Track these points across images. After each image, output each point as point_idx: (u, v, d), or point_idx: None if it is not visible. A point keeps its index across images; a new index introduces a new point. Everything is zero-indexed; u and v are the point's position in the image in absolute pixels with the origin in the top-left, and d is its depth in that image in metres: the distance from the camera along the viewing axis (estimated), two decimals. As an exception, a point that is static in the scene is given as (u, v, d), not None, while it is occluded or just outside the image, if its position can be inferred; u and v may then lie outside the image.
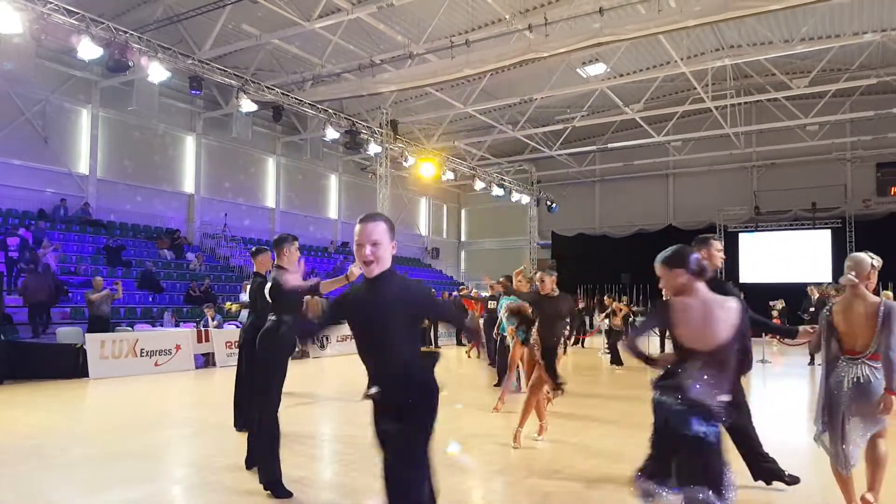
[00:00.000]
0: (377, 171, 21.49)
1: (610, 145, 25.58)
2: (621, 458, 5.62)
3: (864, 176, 25.59)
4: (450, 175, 23.52)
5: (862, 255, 4.04)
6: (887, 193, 25.11)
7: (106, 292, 12.81)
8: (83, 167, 18.67)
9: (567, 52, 14.99)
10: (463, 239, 35.39)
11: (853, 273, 3.93)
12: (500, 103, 21.68)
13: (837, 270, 25.33)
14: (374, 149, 19.90)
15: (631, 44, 17.28)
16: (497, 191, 25.73)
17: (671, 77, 20.55)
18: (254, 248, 6.28)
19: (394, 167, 22.56)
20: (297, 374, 12.01)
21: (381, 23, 16.08)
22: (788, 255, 25.86)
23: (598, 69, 20.25)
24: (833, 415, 3.98)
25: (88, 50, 12.26)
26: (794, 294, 17.40)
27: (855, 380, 3.86)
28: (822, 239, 25.89)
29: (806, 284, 16.53)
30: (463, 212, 35.39)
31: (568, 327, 7.07)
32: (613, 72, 20.21)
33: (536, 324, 6.25)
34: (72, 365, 11.09)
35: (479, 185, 24.84)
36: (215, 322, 14.08)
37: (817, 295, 14.31)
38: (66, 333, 12.42)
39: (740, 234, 27.41)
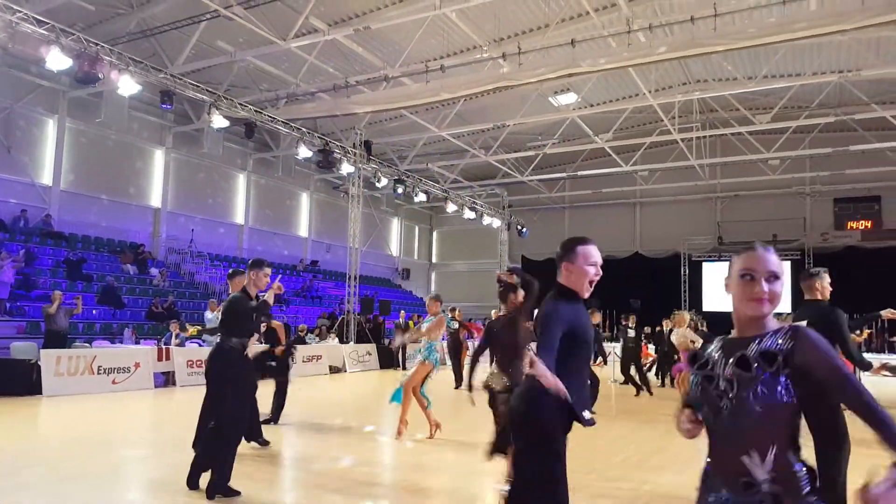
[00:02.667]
0: (350, 191, 21.48)
1: (580, 173, 26.02)
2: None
3: (823, 210, 26.49)
4: (422, 197, 23.62)
5: None
6: (844, 227, 26.02)
7: (58, 302, 12.40)
8: (46, 178, 18.27)
9: (539, 81, 15.29)
10: (434, 260, 35.43)
11: None
12: (473, 128, 21.95)
13: (796, 301, 25.96)
14: (346, 168, 19.91)
15: (601, 75, 17.72)
16: (469, 214, 25.90)
17: (640, 109, 21.10)
18: (231, 270, 6.39)
19: (366, 187, 22.59)
20: (260, 396, 11.82)
21: (357, 45, 16.21)
22: (750, 285, 26.49)
23: (569, 98, 20.66)
24: None
25: (57, 60, 12.06)
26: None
27: None
28: (782, 270, 26.58)
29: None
30: (434, 233, 35.48)
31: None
32: (584, 101, 20.66)
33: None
34: (25, 381, 10.72)
35: (451, 207, 24.98)
36: (178, 340, 13.78)
37: None
38: (20, 348, 12.04)
39: (704, 264, 28.01)
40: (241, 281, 5.90)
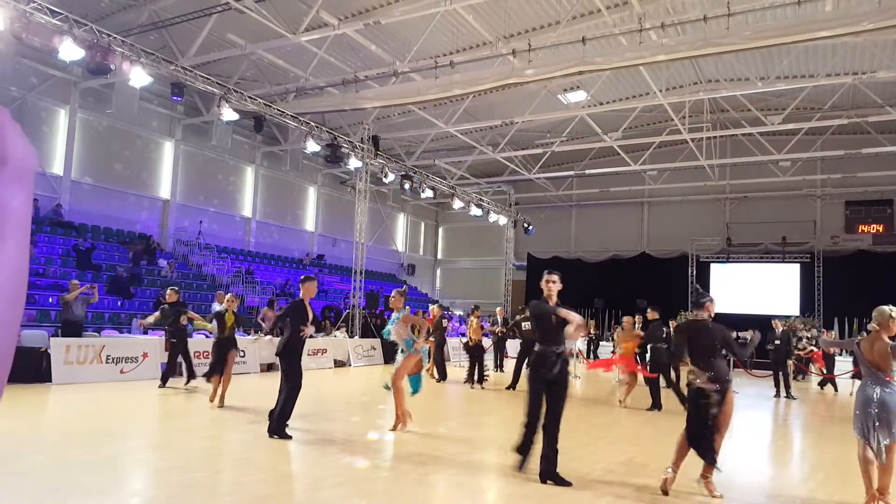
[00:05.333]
0: (357, 186, 21.50)
1: (587, 171, 25.94)
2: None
3: (833, 213, 26.27)
4: (429, 193, 23.61)
5: (883, 307, 5.17)
6: (855, 231, 25.78)
7: (78, 291, 12.49)
8: (57, 168, 18.37)
9: (549, 79, 15.24)
10: (439, 256, 35.43)
11: (876, 322, 5.12)
12: (481, 125, 21.91)
13: (805, 303, 25.91)
14: (354, 163, 19.92)
15: (612, 73, 17.65)
16: (475, 210, 25.87)
17: (650, 108, 21.00)
18: (303, 277, 7.66)
19: (373, 182, 22.59)
20: (255, 391, 11.87)
21: (366, 40, 16.20)
22: (758, 287, 26.33)
23: (578, 96, 20.59)
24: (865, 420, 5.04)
25: (70, 51, 12.12)
26: (763, 326, 17.76)
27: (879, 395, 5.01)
28: (790, 272, 26.43)
29: (774, 316, 16.83)
30: (440, 230, 35.48)
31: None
32: (594, 100, 20.57)
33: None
34: (35, 369, 10.81)
35: (457, 204, 24.95)
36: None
37: (781, 328, 14.61)
38: (30, 336, 12.12)
39: (712, 265, 27.85)
40: (313, 286, 7.49)
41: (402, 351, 7.98)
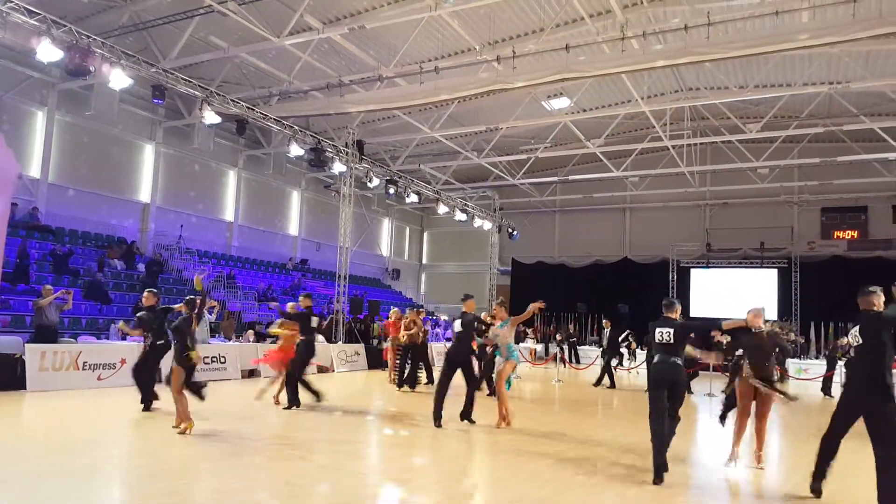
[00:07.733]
0: (341, 190, 21.42)
1: (571, 177, 26.11)
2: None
3: (810, 219, 26.74)
4: (413, 197, 23.61)
5: None
6: (830, 237, 26.29)
7: (52, 297, 12.27)
8: (34, 170, 18.08)
9: (533, 85, 15.33)
10: (424, 261, 35.42)
11: None
12: (466, 130, 21.97)
13: (783, 308, 26.27)
14: (338, 167, 19.84)
15: (595, 81, 17.81)
16: (460, 215, 25.90)
17: (632, 115, 21.21)
18: (464, 295, 9.10)
19: (358, 187, 22.54)
20: (236, 398, 11.75)
21: (351, 44, 16.19)
22: (737, 292, 26.64)
23: (562, 103, 20.74)
24: None
25: (48, 52, 11.93)
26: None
27: None
28: (768, 277, 26.81)
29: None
30: (425, 234, 35.48)
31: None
32: (577, 106, 20.74)
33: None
34: (9, 376, 10.59)
35: (442, 209, 24.97)
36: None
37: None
38: (4, 342, 11.89)
39: (692, 270, 28.17)
40: (472, 303, 8.93)
41: (502, 355, 8.82)
